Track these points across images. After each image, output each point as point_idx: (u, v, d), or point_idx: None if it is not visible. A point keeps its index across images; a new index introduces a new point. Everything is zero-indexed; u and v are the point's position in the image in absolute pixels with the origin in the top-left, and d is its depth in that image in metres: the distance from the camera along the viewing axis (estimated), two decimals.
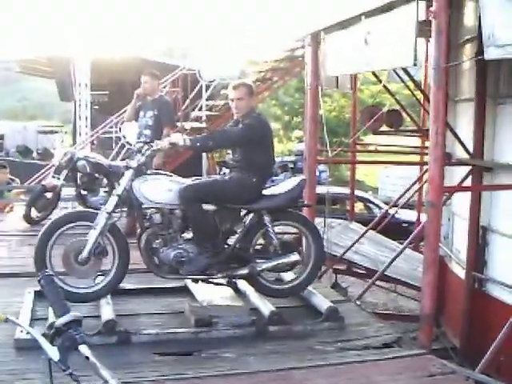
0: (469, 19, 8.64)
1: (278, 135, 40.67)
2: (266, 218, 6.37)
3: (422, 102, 12.76)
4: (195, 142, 6.32)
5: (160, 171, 6.78)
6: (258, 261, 6.41)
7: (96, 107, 22.14)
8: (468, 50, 8.75)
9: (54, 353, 2.42)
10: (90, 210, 6.53)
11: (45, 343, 2.45)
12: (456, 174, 9.10)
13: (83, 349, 2.42)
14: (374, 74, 11.84)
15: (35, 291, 6.54)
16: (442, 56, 5.87)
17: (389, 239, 12.55)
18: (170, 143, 6.21)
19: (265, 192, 6.48)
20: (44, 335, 2.52)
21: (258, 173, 6.38)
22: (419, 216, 14.26)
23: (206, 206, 6.22)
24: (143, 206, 6.18)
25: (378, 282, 10.50)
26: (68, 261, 6.07)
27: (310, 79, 9.09)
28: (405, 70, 9.99)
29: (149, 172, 6.34)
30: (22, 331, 5.51)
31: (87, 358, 2.40)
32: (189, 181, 6.37)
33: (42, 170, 16.45)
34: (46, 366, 2.47)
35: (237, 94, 6.48)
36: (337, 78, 11.58)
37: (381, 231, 12.77)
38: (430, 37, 7.59)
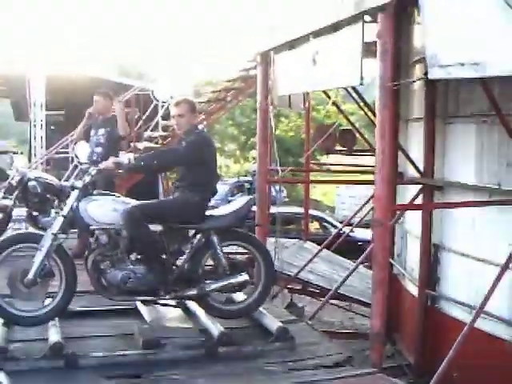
0: (418, 40, 8.75)
1: (235, 155, 40.69)
2: (214, 238, 6.33)
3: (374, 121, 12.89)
4: (140, 161, 6.26)
5: (107, 192, 6.70)
6: (206, 281, 6.36)
7: (52, 127, 21.90)
8: (418, 71, 8.85)
9: None
10: (35, 231, 6.43)
11: None
12: (409, 193, 9.17)
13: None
14: (325, 93, 11.92)
15: None
16: (387, 75, 5.91)
17: (344, 258, 12.61)
18: (113, 163, 6.16)
19: (212, 212, 6.45)
20: None
21: (201, 191, 6.34)
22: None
23: (152, 227, 6.16)
24: (90, 227, 6.11)
25: (334, 301, 10.53)
26: (14, 283, 5.96)
27: (261, 99, 9.10)
28: (355, 89, 10.08)
29: (95, 192, 6.25)
30: None
31: None
32: (134, 201, 6.31)
33: None
34: None
35: (178, 111, 6.45)
36: (289, 97, 11.62)
37: (336, 250, 12.81)
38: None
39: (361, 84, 6.36)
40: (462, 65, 5.20)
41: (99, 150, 9.29)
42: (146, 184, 16.05)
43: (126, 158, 6.25)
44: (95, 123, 9.61)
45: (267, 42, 8.73)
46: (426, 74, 6.20)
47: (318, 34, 7.19)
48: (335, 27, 6.75)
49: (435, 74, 5.27)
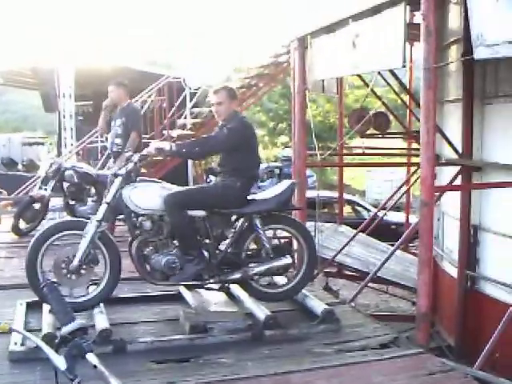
0: (454, 21, 8.70)
1: (263, 141, 40.64)
2: (257, 222, 6.37)
3: (407, 104, 12.84)
4: (181, 148, 6.30)
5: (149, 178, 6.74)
6: (250, 265, 6.41)
7: (81, 118, 22.00)
8: (454, 52, 8.80)
9: (60, 362, 2.37)
10: (80, 219, 6.50)
11: (51, 352, 2.41)
12: (444, 175, 9.14)
13: (91, 357, 2.37)
14: (361, 77, 11.90)
15: (27, 303, 6.51)
16: (431, 56, 5.89)
17: (378, 241, 12.59)
18: (156, 148, 6.19)
19: (255, 196, 6.49)
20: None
21: (243, 177, 6.37)
22: (408, 217, 14.31)
23: (195, 212, 6.21)
24: (133, 214, 6.16)
25: (369, 284, 10.53)
26: (59, 271, 6.04)
27: (298, 83, 9.09)
28: (392, 72, 10.04)
29: (138, 179, 6.30)
30: (15, 343, 5.48)
31: (95, 366, 2.35)
32: (176, 187, 6.36)
33: (29, 182, 16.33)
34: (42, 378, 2.43)
35: (217, 99, 6.46)
36: (323, 82, 11.60)
37: (370, 233, 12.80)
38: (414, 40, 7.61)
39: (403, 66, 6.35)
40: (511, 43, 5.15)
41: (118, 140, 9.30)
42: (177, 171, 16.09)
43: (167, 144, 6.30)
44: (115, 114, 9.58)
45: (304, 26, 8.71)
46: (464, 54, 6.18)
47: (357, 17, 7.18)
48: (376, 10, 6.73)
49: (481, 53, 5.23)
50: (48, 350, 2.43)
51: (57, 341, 2.43)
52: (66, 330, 2.41)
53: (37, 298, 6.03)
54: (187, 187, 6.44)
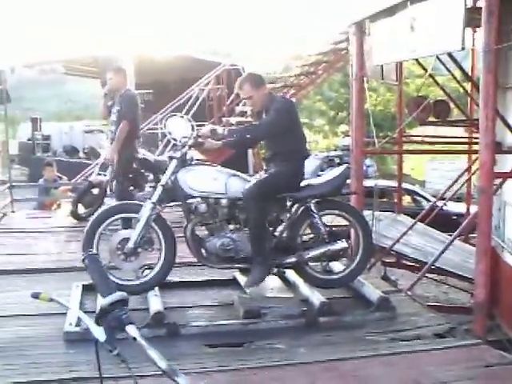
0: None
1: (323, 130, 40.47)
2: (312, 207, 6.32)
3: (469, 91, 12.58)
4: (233, 132, 6.31)
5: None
6: (305, 249, 6.37)
7: (141, 106, 22.22)
8: None
9: (100, 333, 2.37)
10: (136, 201, 6.55)
11: (91, 323, 2.41)
12: (506, 163, 8.92)
13: (130, 329, 2.36)
14: (420, 64, 11.69)
15: (83, 285, 6.60)
16: (492, 38, 5.74)
17: (437, 231, 12.38)
18: (210, 130, 6.23)
19: (310, 181, 6.47)
20: None
21: (294, 158, 6.35)
22: (468, 208, 14.05)
23: None
24: (188, 197, 6.17)
25: (428, 275, 10.36)
26: (115, 253, 6.10)
27: (356, 69, 8.97)
28: (452, 58, 9.83)
29: (193, 162, 6.30)
30: (70, 324, 5.54)
31: (134, 338, 2.34)
32: (233, 171, 6.40)
33: (88, 168, 16.56)
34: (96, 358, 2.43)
35: (243, 94, 6.47)
36: (382, 68, 11.44)
37: (429, 223, 12.60)
38: (476, 26, 7.41)
39: (462, 49, 6.21)
40: None
41: (113, 128, 8.99)
42: (236, 160, 16.12)
43: (220, 128, 6.32)
44: (115, 101, 9.20)
45: (362, 10, 8.59)
46: None
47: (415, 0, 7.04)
48: None
49: None
50: (88, 321, 2.43)
51: (97, 312, 2.43)
52: (105, 301, 2.40)
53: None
54: (261, 179, 6.35)
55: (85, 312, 5.63)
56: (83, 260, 2.61)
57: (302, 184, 6.42)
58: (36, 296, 2.57)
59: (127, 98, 9.13)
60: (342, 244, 6.42)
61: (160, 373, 2.28)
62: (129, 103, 9.02)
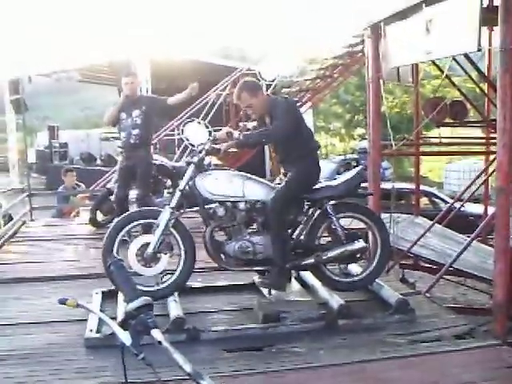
0: None
1: (340, 134, 40.45)
2: (329, 209, 6.33)
3: (485, 92, 12.53)
4: (248, 138, 6.35)
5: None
6: (323, 251, 6.39)
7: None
8: None
9: (125, 337, 2.41)
10: (154, 208, 6.58)
11: (116, 328, 2.44)
12: None
13: (156, 333, 2.39)
14: (436, 65, 11.66)
15: (103, 292, 6.65)
16: (509, 37, 5.71)
17: (455, 232, 12.34)
18: (226, 132, 6.34)
19: (325, 183, 6.54)
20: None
21: (310, 151, 6.45)
22: (486, 209, 13.98)
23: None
24: (206, 201, 6.22)
25: (446, 276, 10.32)
26: (134, 259, 6.14)
27: (372, 72, 8.96)
28: (468, 58, 9.79)
29: (211, 167, 6.34)
30: (91, 330, 5.58)
31: (160, 342, 2.37)
32: (249, 175, 6.45)
33: (106, 175, 16.62)
34: (117, 364, 2.46)
35: (243, 104, 6.46)
36: (398, 71, 11.42)
37: (447, 225, 12.55)
38: (493, 25, 7.37)
39: (478, 50, 6.19)
40: None
41: (136, 131, 9.06)
42: (253, 164, 16.17)
43: (236, 132, 6.36)
44: (125, 106, 9.23)
45: (377, 13, 8.57)
46: None
47: (430, 1, 7.03)
48: None
49: None
50: (114, 326, 2.46)
51: (122, 317, 2.46)
52: (131, 306, 2.44)
53: (113, 287, 6.09)
54: (283, 187, 6.35)
55: None
56: (109, 266, 2.65)
57: (318, 186, 6.45)
58: (63, 302, 2.61)
59: (152, 98, 9.60)
60: (359, 244, 6.42)
61: (184, 377, 2.30)
62: (158, 100, 9.38)
